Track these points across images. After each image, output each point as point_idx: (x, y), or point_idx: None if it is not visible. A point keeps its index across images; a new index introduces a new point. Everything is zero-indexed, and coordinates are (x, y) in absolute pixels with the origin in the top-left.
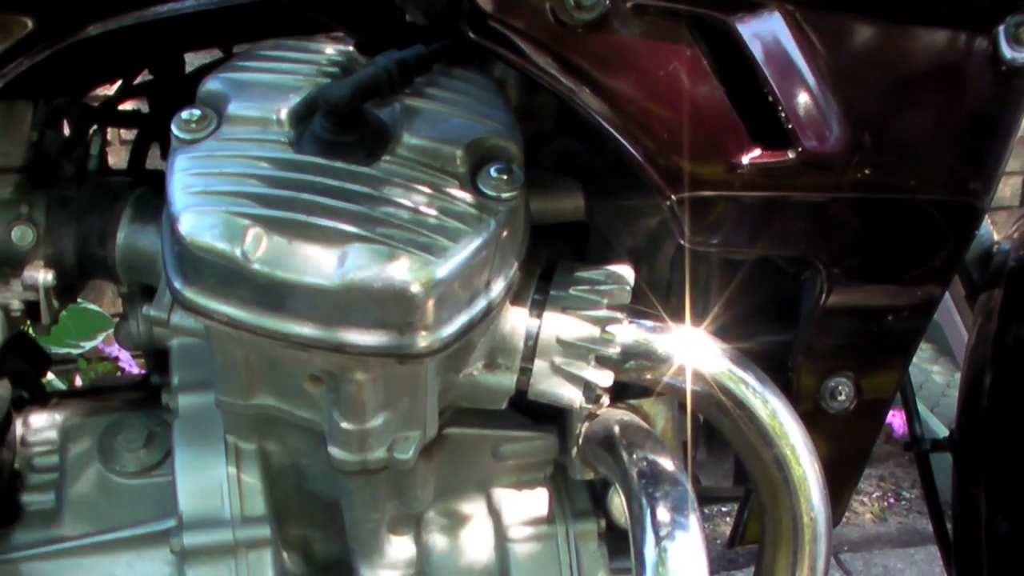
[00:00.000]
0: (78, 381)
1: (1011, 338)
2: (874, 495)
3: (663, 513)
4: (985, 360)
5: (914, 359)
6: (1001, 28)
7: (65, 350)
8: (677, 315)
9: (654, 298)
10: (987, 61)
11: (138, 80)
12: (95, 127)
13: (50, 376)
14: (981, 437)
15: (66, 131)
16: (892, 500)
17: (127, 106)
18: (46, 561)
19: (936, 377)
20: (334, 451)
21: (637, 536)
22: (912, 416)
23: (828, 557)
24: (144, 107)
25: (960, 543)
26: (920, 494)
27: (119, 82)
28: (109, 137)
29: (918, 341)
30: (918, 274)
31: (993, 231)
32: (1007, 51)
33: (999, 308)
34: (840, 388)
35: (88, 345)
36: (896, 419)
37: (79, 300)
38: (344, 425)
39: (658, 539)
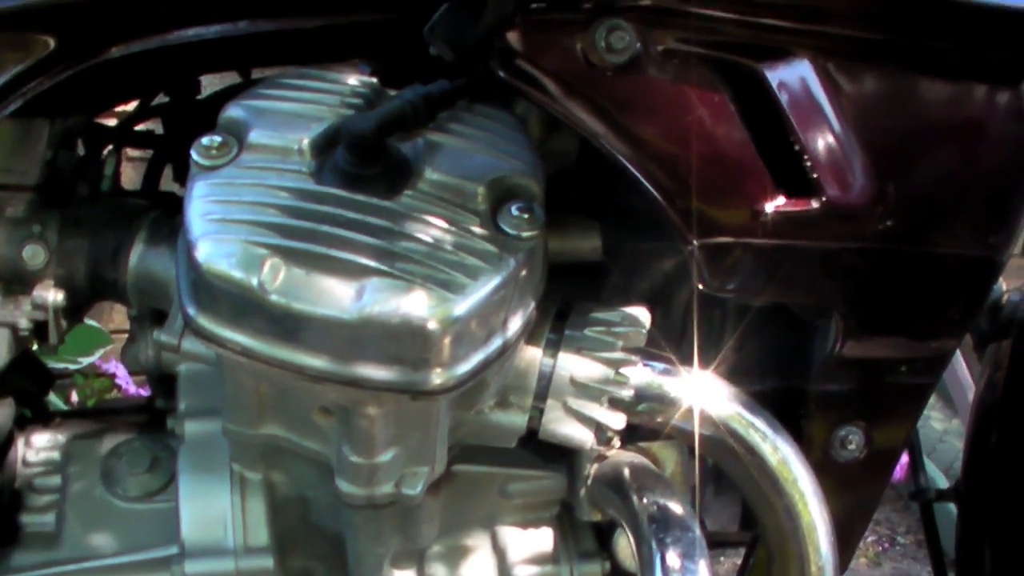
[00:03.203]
0: (74, 397)
1: (1020, 390)
2: (869, 539)
3: (673, 559)
4: (993, 411)
5: None
6: None
7: (62, 365)
8: (690, 359)
9: (667, 341)
10: (1011, 115)
11: (154, 102)
12: (110, 147)
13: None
14: (987, 490)
15: (80, 150)
16: (887, 545)
17: (141, 127)
18: None
19: (934, 423)
20: (341, 484)
21: None
22: (917, 465)
23: None
24: (158, 128)
25: None
26: (915, 540)
27: (134, 103)
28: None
29: (930, 393)
30: (933, 327)
31: (1003, 282)
32: None
33: (1008, 359)
34: (851, 437)
35: (86, 361)
36: None
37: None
38: (353, 459)
39: None
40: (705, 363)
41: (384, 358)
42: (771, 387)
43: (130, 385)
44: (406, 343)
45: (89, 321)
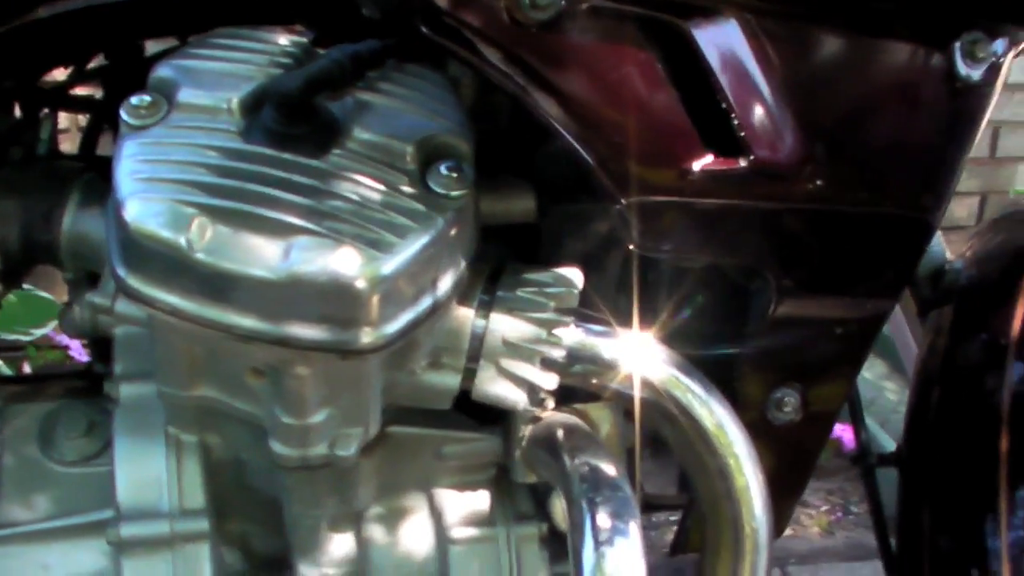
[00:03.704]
0: (26, 368)
1: (960, 355)
2: (822, 509)
3: (603, 518)
4: (933, 376)
5: (866, 375)
6: (957, 45)
7: (14, 337)
8: (625, 321)
9: (603, 304)
10: (942, 77)
11: (94, 65)
12: (46, 111)
13: None
14: (927, 454)
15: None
16: (840, 514)
17: (83, 91)
18: None
19: (888, 394)
20: (275, 446)
21: (576, 540)
22: (860, 430)
23: (769, 568)
24: (99, 93)
25: (903, 559)
26: (868, 509)
27: (72, 66)
28: (66, 123)
29: (866, 354)
30: (868, 287)
31: (946, 249)
32: (962, 68)
33: (949, 325)
34: (787, 399)
35: (38, 332)
36: (846, 434)
37: (30, 287)
38: (285, 420)
39: (597, 544)
40: (641, 326)
41: (312, 317)
42: (706, 350)
43: (84, 357)
44: (334, 302)
45: (41, 292)
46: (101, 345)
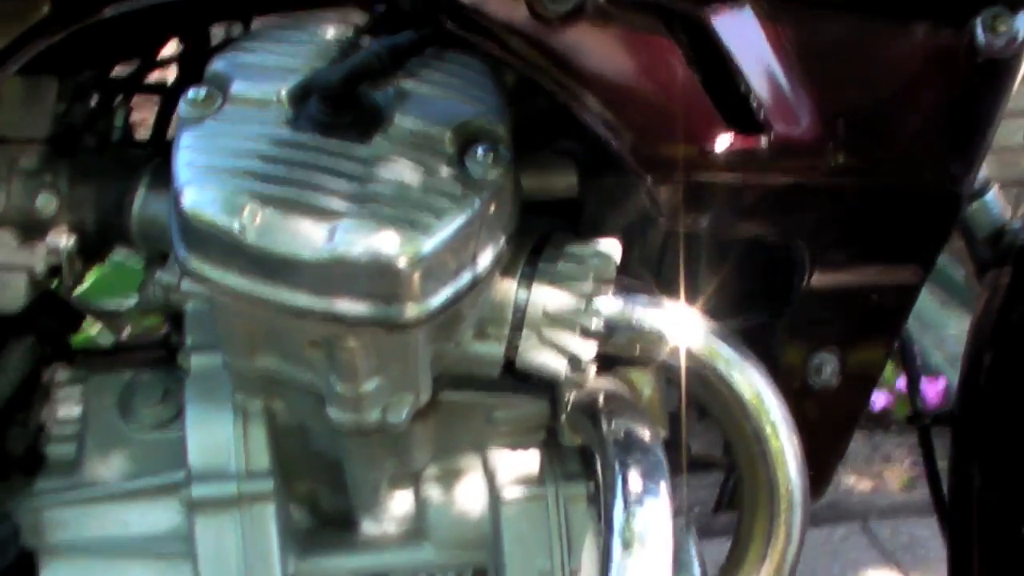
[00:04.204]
0: (125, 333)
1: (1016, 316)
2: (904, 463)
3: (634, 480)
4: (987, 336)
5: (952, 332)
6: (978, 20)
7: (117, 303)
8: (666, 291)
9: (644, 274)
10: (964, 51)
11: (165, 53)
12: (120, 99)
13: (96, 329)
14: (979, 413)
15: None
16: (923, 469)
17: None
18: (66, 508)
19: None
20: (332, 412)
21: (607, 501)
22: (914, 390)
23: (804, 527)
24: (171, 79)
25: (954, 515)
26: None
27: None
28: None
29: (904, 319)
30: (899, 257)
31: (1008, 209)
32: (984, 43)
33: (1006, 286)
34: (825, 365)
35: (131, 302)
36: (930, 389)
37: (125, 254)
38: (339, 388)
39: (627, 504)
40: (680, 295)
41: (358, 294)
42: (745, 317)
43: None
44: (378, 280)
45: (135, 262)
46: (174, 319)
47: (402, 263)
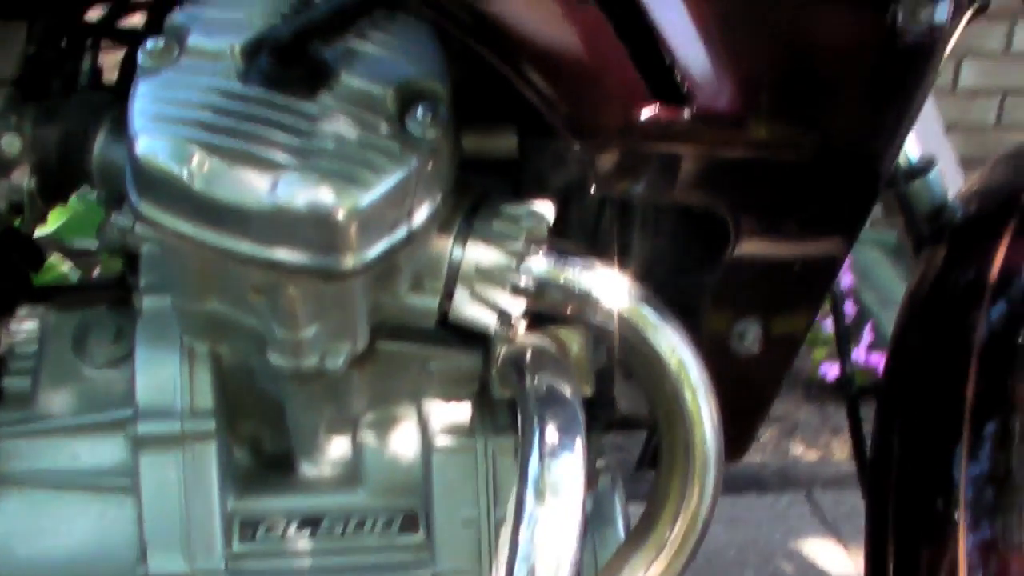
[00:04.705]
0: (96, 272)
1: (945, 292)
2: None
3: (551, 433)
4: (918, 310)
5: None
6: (900, 4)
7: (85, 244)
8: (598, 254)
9: (577, 236)
10: (885, 35)
11: None
12: (89, 43)
13: (67, 268)
14: (904, 386)
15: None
16: (869, 442)
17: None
18: (19, 439)
19: None
20: (272, 357)
21: (524, 452)
22: (844, 361)
23: (718, 487)
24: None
25: (874, 485)
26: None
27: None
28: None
29: (826, 290)
30: (823, 229)
31: (950, 188)
32: (904, 28)
33: (939, 262)
34: (748, 332)
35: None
36: (877, 362)
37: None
38: (280, 334)
39: (542, 456)
40: (609, 258)
41: (298, 244)
42: (670, 283)
43: None
44: (316, 230)
45: None
46: (133, 260)
47: (340, 215)
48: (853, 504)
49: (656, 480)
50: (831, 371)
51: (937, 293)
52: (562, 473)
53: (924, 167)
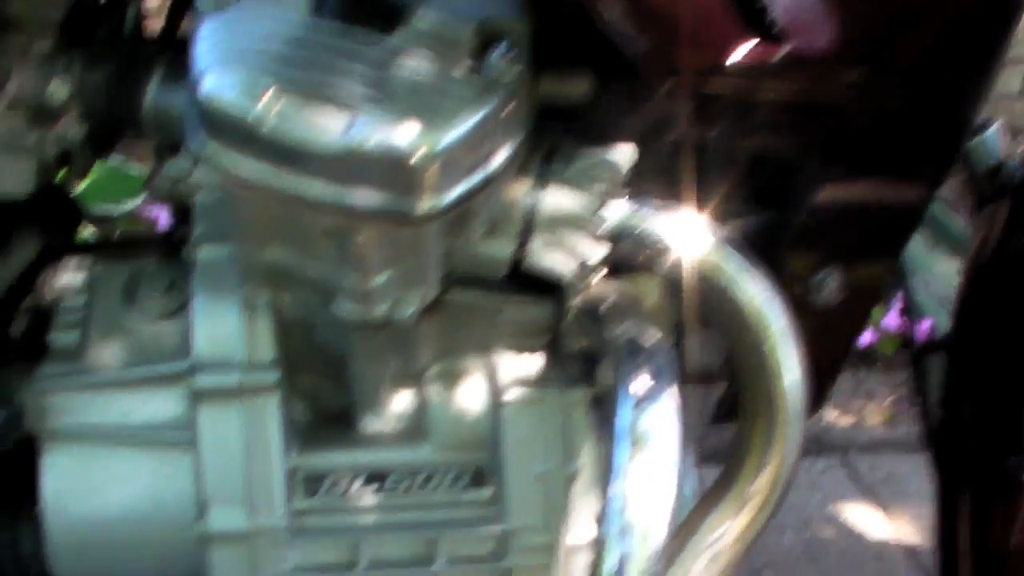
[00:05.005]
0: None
1: (1011, 248)
2: (886, 401)
3: (641, 381)
4: (984, 268)
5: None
6: None
7: (106, 211)
8: (675, 200)
9: (655, 181)
10: None
11: None
12: None
13: (88, 233)
14: (974, 343)
15: None
16: (904, 406)
17: None
18: (69, 394)
19: None
20: (341, 305)
21: (615, 403)
22: (912, 316)
23: (801, 442)
24: None
25: (945, 444)
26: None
27: None
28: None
29: (907, 240)
30: (906, 177)
31: (1007, 146)
32: None
33: (1003, 220)
34: (827, 281)
35: (127, 206)
36: (917, 328)
37: (120, 162)
38: (349, 282)
39: (635, 405)
40: (689, 204)
41: (373, 186)
42: (753, 230)
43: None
44: (392, 173)
45: (131, 168)
46: (182, 210)
47: (417, 157)
48: (889, 469)
49: (736, 434)
50: (864, 336)
51: (1003, 251)
52: (655, 422)
53: (983, 125)
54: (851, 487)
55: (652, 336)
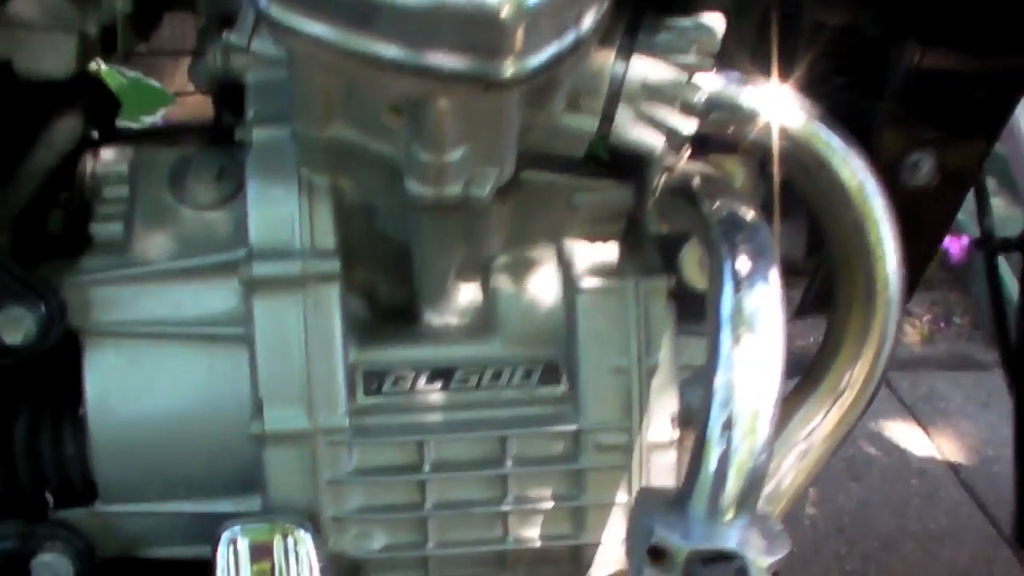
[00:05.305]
0: None
1: None
2: (925, 319)
3: (743, 261)
4: None
5: None
6: None
7: (126, 124)
8: (765, 73)
9: (743, 54)
10: None
11: None
12: None
13: None
14: None
15: None
16: (943, 324)
17: None
18: (114, 286)
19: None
20: (411, 184)
21: (715, 285)
22: (984, 213)
23: (900, 326)
24: None
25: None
26: (971, 321)
27: None
28: None
29: (1005, 121)
30: (1007, 52)
31: None
32: None
33: None
34: (922, 162)
35: (148, 120)
36: (953, 245)
37: (140, 75)
38: (422, 157)
39: (737, 287)
40: (780, 76)
41: (456, 47)
42: (844, 107)
43: None
44: (479, 31)
45: (151, 81)
46: (230, 95)
47: (506, 13)
48: (929, 387)
49: (833, 320)
50: None
51: None
52: (760, 304)
53: None
54: (892, 405)
55: (749, 213)
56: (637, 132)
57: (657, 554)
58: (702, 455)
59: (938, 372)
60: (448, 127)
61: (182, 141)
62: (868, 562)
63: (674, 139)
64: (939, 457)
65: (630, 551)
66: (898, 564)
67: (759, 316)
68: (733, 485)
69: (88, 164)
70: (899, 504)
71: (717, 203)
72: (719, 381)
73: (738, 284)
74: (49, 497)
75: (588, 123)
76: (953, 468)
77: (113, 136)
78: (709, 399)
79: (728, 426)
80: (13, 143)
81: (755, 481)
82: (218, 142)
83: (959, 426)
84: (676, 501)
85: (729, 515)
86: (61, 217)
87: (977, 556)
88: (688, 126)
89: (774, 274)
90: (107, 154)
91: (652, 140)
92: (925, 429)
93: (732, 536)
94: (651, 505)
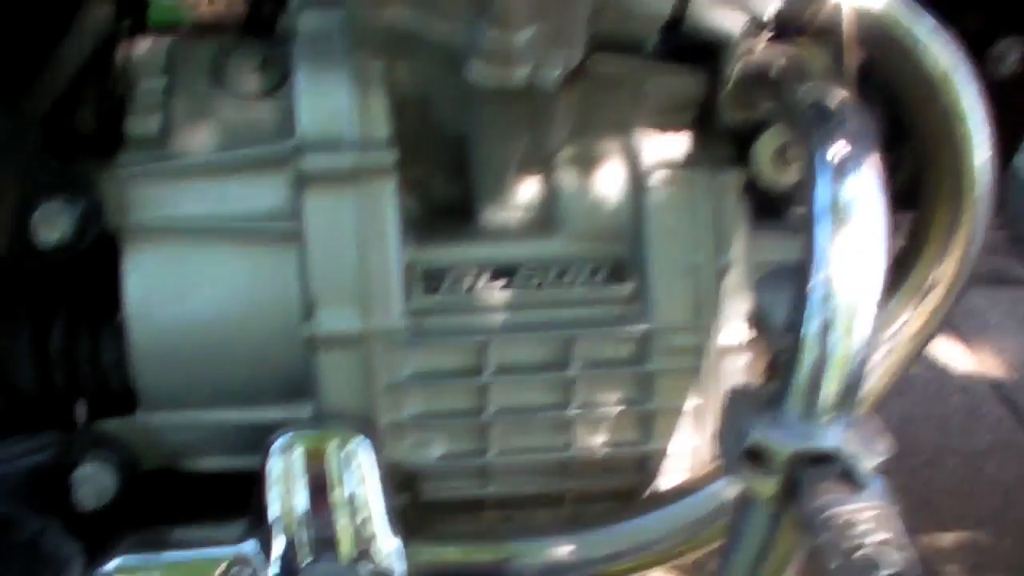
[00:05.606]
0: None
1: None
2: None
3: (839, 148)
4: None
5: None
6: None
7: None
8: None
9: None
10: None
11: None
12: None
13: None
14: None
15: None
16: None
17: None
18: (154, 183)
19: None
20: (476, 66)
21: (809, 174)
22: None
23: (990, 221)
24: None
25: None
26: (1007, 235)
27: None
28: None
29: None
30: None
31: None
32: None
33: None
34: (1009, 52)
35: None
36: None
37: None
38: (489, 36)
39: (833, 175)
40: None
41: None
42: None
43: None
44: None
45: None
46: None
47: None
48: (969, 303)
49: (920, 215)
50: None
51: None
52: (860, 193)
53: None
54: None
55: (841, 96)
56: (716, 13)
57: (755, 455)
58: (799, 354)
59: (978, 288)
60: (517, 6)
61: (221, 30)
62: (914, 477)
63: (754, 20)
64: (981, 373)
65: (724, 453)
66: (943, 480)
67: (858, 206)
68: (832, 385)
69: (122, 55)
70: (942, 420)
71: (804, 87)
72: (818, 277)
73: (835, 172)
74: (82, 410)
75: (663, 3)
76: (995, 384)
77: (146, 25)
78: (806, 296)
79: (827, 324)
80: (43, 31)
81: (854, 381)
82: (261, 30)
83: (999, 342)
84: (771, 401)
85: (828, 416)
86: (93, 114)
87: (1022, 474)
88: (768, 7)
89: (874, 160)
90: (142, 45)
91: (730, 22)
92: (967, 345)
93: (834, 436)
94: (744, 406)
